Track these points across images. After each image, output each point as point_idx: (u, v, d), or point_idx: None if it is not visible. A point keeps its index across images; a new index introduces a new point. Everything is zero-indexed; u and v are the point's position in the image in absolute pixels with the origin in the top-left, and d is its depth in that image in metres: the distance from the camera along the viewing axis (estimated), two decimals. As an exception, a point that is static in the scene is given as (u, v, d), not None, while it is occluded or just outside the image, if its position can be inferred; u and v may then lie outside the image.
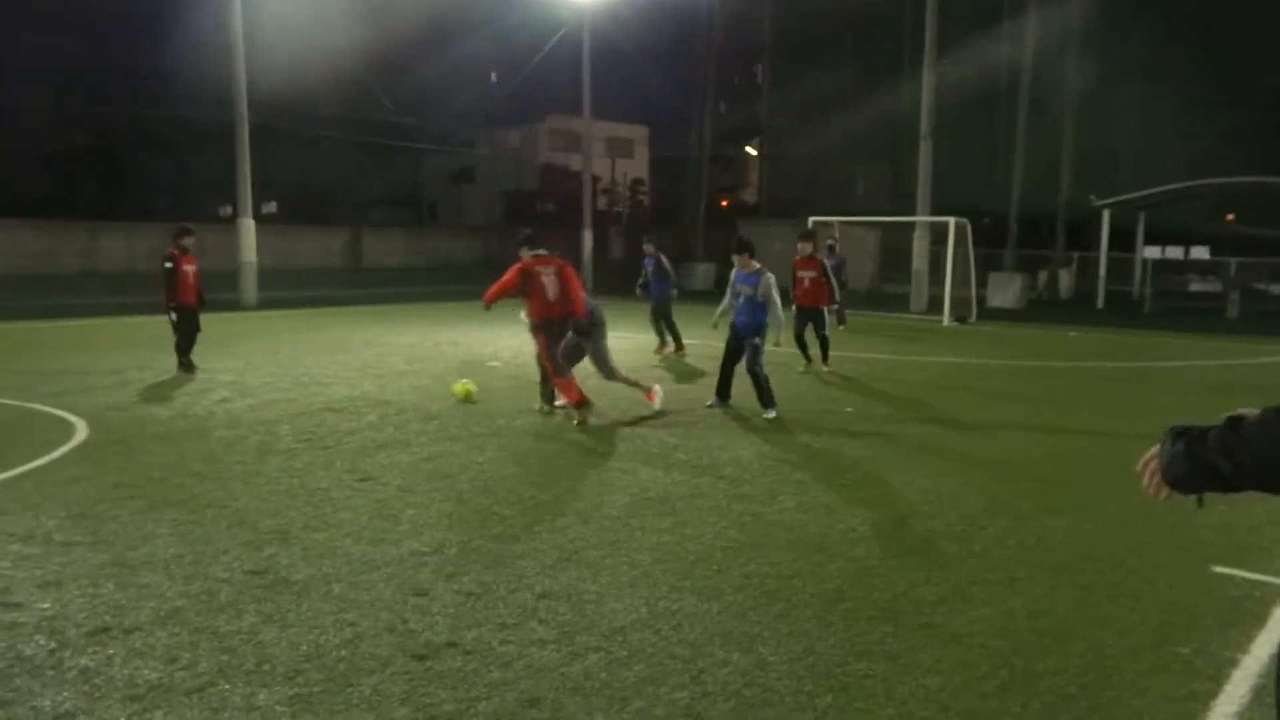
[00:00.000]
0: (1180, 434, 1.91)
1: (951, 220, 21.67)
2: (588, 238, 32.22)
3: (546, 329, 9.17)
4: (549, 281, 9.14)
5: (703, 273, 32.85)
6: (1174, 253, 26.54)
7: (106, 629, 4.24)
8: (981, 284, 24.03)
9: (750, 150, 50.23)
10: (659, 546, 5.49)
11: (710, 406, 9.95)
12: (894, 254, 29.29)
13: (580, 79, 31.98)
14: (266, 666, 3.91)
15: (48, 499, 6.24)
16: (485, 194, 54.20)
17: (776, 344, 9.79)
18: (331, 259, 38.95)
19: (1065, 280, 30.04)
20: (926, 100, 24.80)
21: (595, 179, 40.30)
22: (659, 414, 9.45)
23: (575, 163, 41.29)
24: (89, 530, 5.61)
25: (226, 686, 3.73)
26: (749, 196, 52.27)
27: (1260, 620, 4.54)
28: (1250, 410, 1.86)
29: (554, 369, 9.21)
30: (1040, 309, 25.23)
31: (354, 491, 6.58)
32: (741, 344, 9.66)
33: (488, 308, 9.35)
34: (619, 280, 15.59)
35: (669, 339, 14.35)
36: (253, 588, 4.76)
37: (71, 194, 40.80)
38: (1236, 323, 22.14)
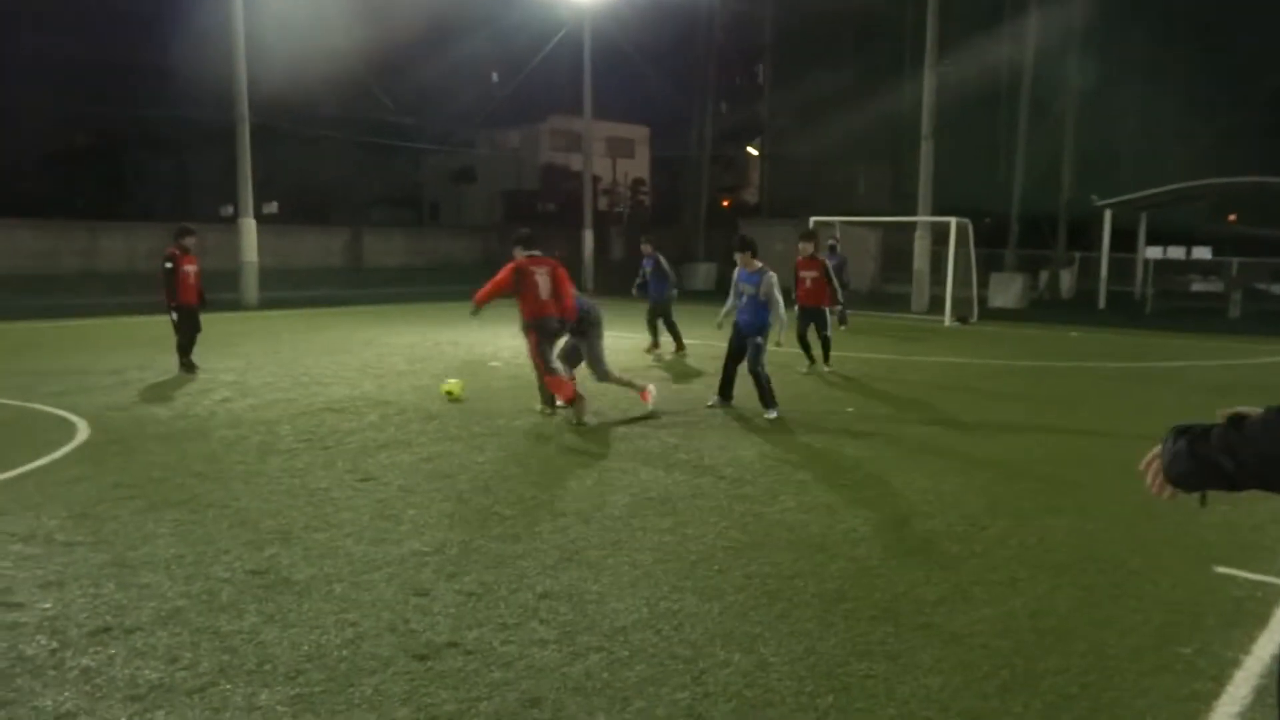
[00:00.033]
0: (1183, 432, 1.91)
1: (953, 220, 21.65)
2: (589, 238, 32.25)
3: (539, 328, 9.16)
4: (542, 280, 9.15)
5: (704, 273, 32.85)
6: (1176, 253, 26.51)
7: (108, 629, 4.24)
8: (983, 284, 24.03)
9: (751, 150, 50.23)
10: (660, 546, 5.49)
11: (712, 406, 9.94)
12: (895, 254, 29.29)
13: (581, 79, 31.98)
14: (268, 666, 3.90)
15: (49, 499, 6.24)
16: (486, 194, 54.21)
17: (778, 344, 9.78)
18: (332, 259, 38.96)
19: (1067, 280, 30.03)
20: (928, 100, 24.80)
21: (596, 179, 40.32)
22: (652, 414, 9.42)
23: (576, 163, 41.30)
24: (90, 530, 5.61)
25: (228, 686, 3.73)
26: (750, 196, 52.27)
27: (1262, 621, 4.53)
28: (1252, 409, 1.85)
29: (544, 367, 9.22)
30: (1042, 309, 25.22)
31: (355, 491, 6.58)
32: (744, 343, 9.64)
33: (476, 311, 9.23)
34: (620, 280, 15.59)
35: (660, 339, 14.37)
36: (254, 588, 4.76)
37: (71, 194, 40.81)
38: (1238, 323, 22.14)
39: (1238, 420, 1.83)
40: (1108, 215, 26.86)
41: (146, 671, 3.84)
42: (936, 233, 24.43)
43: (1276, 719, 1.93)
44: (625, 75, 41.53)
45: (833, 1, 37.27)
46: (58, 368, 12.10)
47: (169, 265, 11.76)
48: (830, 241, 18.38)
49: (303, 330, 17.62)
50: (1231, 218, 32.76)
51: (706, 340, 14.71)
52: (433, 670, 3.89)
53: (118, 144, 42.78)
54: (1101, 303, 26.17)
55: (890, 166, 38.11)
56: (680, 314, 14.61)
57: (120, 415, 9.14)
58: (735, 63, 45.53)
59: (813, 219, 22.10)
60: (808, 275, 12.65)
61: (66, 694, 3.64)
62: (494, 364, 13.17)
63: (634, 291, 15.12)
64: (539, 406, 9.57)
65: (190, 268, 11.90)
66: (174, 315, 11.87)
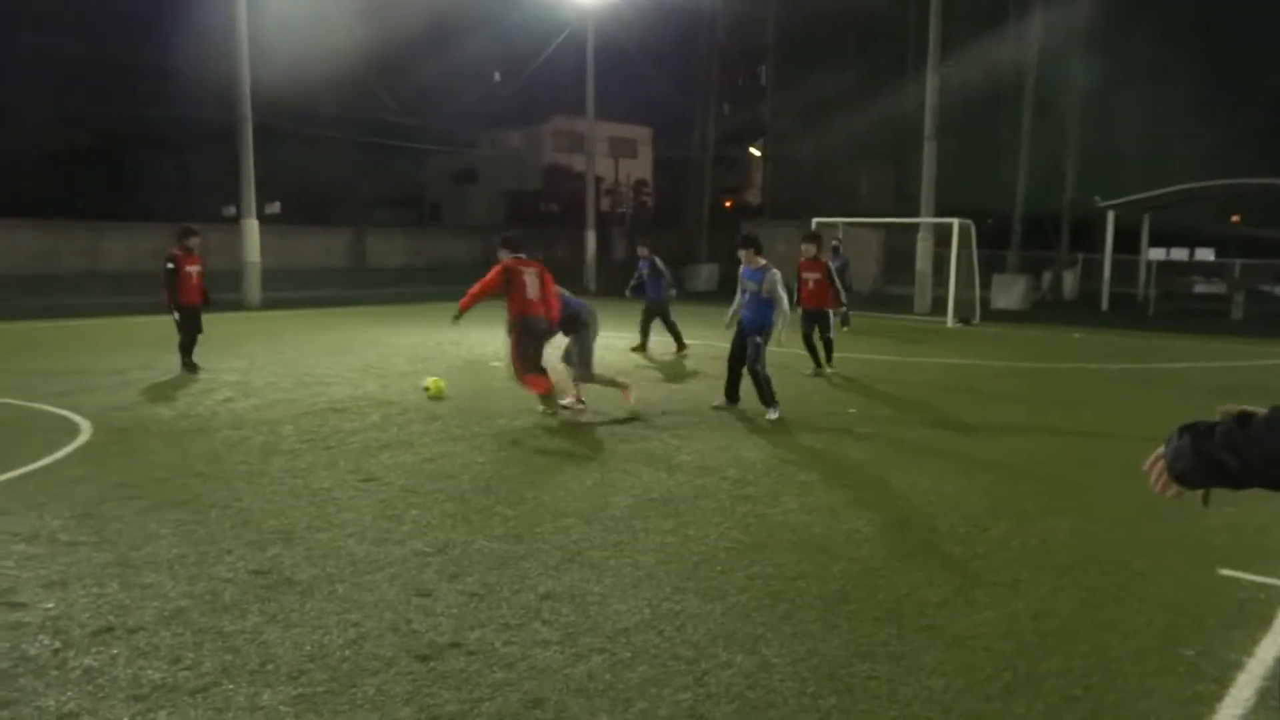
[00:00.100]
0: (1187, 429, 1.90)
1: (955, 221, 21.63)
2: (591, 239, 32.25)
3: (525, 327, 9.19)
4: (530, 281, 9.19)
5: (706, 274, 32.84)
6: (1179, 254, 26.47)
7: (110, 629, 4.24)
8: (985, 285, 24.01)
9: (754, 151, 50.23)
10: (663, 547, 5.49)
11: (717, 408, 9.93)
12: (898, 255, 29.26)
13: (584, 79, 32.00)
14: (270, 666, 3.91)
15: (52, 499, 6.25)
16: (488, 195, 54.24)
17: (779, 343, 9.75)
18: (334, 259, 38.98)
19: (1069, 282, 30.01)
20: (930, 101, 24.79)
21: (598, 180, 40.33)
22: (634, 416, 9.41)
23: (579, 163, 41.32)
24: (93, 530, 5.62)
25: (230, 686, 3.73)
26: (753, 198, 52.29)
27: (1265, 623, 4.53)
28: (1257, 408, 1.85)
29: (521, 369, 9.25)
30: (1044, 310, 25.21)
31: (357, 492, 6.58)
32: (746, 341, 9.64)
33: (459, 316, 9.23)
34: (621, 281, 15.60)
35: (649, 342, 14.41)
36: (256, 588, 4.76)
37: (72, 194, 40.81)
38: (1241, 324, 22.12)
39: (1243, 419, 1.83)
40: (1110, 216, 26.84)
41: (149, 671, 3.84)
42: (939, 234, 24.40)
43: (1280, 722, 1.93)
44: (628, 76, 41.57)
45: (835, 2, 37.27)
46: (60, 367, 12.11)
47: (170, 266, 11.77)
48: (833, 243, 18.37)
49: (305, 330, 17.63)
50: (1235, 219, 32.73)
51: (707, 340, 14.73)
52: (435, 671, 3.89)
53: (118, 144, 42.78)
54: (1104, 304, 26.15)
55: (893, 167, 38.10)
56: (682, 314, 14.62)
57: (123, 415, 9.14)
58: (738, 64, 45.55)
59: (815, 220, 22.08)
60: (810, 277, 12.63)
61: (69, 694, 3.65)
62: (495, 364, 13.16)
63: (627, 293, 15.16)
64: (541, 407, 9.57)
65: (193, 268, 11.91)
66: (176, 315, 11.89)
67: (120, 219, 35.37)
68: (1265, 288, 26.01)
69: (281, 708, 3.58)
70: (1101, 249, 27.56)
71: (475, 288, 9.17)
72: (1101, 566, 5.30)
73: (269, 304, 22.49)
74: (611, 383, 9.85)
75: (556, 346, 9.88)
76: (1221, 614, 4.65)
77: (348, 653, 4.05)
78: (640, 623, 4.41)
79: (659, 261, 14.70)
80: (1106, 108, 32.23)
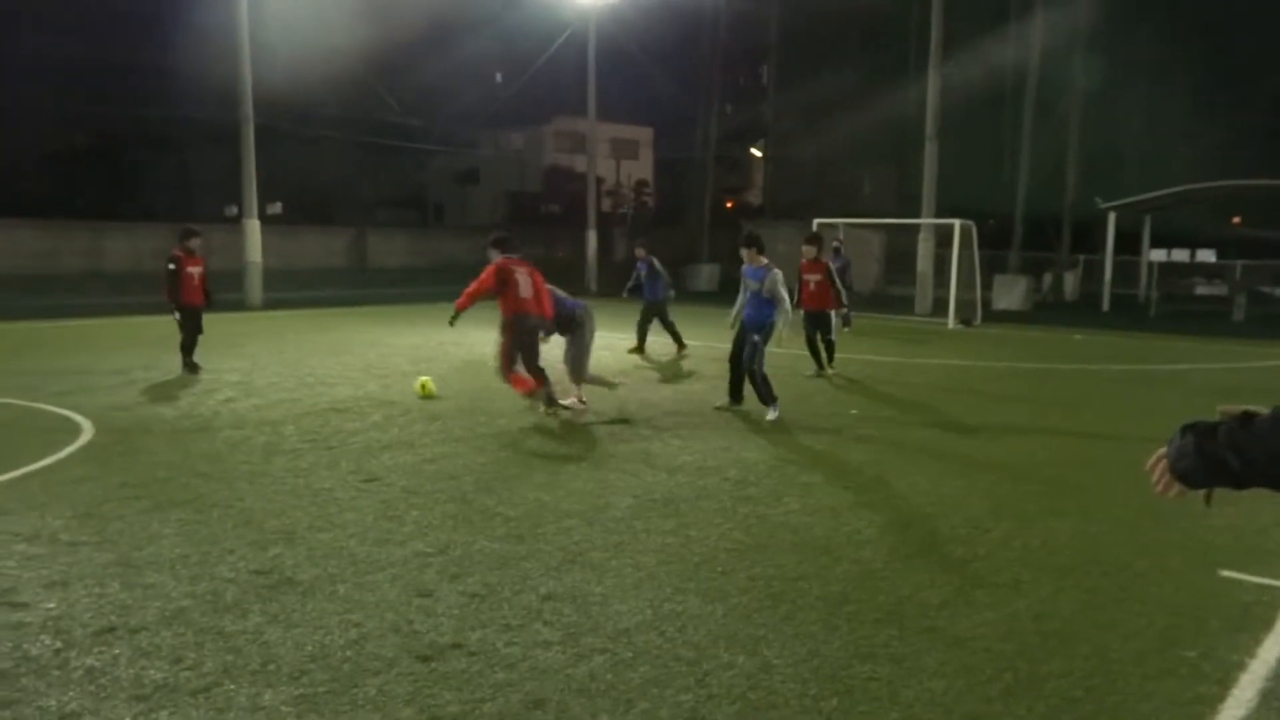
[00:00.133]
0: (1190, 428, 1.91)
1: (957, 222, 21.62)
2: (592, 239, 32.25)
3: (517, 325, 9.25)
4: (523, 280, 9.26)
5: (707, 274, 32.83)
6: (1180, 255, 26.46)
7: (112, 629, 4.24)
8: (986, 286, 23.99)
9: (755, 152, 50.24)
10: (664, 548, 5.49)
11: (720, 408, 9.92)
12: (899, 256, 29.22)
13: (585, 80, 31.99)
14: (272, 667, 3.91)
15: (54, 499, 6.25)
16: (490, 195, 54.29)
17: (779, 344, 9.73)
18: (335, 259, 38.98)
19: (1070, 283, 29.98)
20: (932, 101, 24.77)
21: (600, 180, 40.35)
22: (623, 416, 9.45)
23: (580, 164, 41.33)
24: (95, 530, 5.62)
25: (232, 687, 3.74)
26: (754, 198, 52.30)
27: (1268, 624, 4.53)
28: (1260, 408, 1.86)
29: (507, 368, 9.31)
30: (1045, 311, 25.20)
31: (359, 492, 6.59)
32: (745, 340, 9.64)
33: (455, 318, 9.31)
34: (622, 282, 15.63)
35: (646, 344, 14.44)
36: (258, 588, 4.77)
37: (72, 194, 40.84)
38: (1242, 326, 22.11)
39: (1246, 418, 1.83)
40: (1112, 218, 26.82)
41: (151, 671, 3.84)
42: (940, 234, 24.38)
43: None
44: (629, 76, 41.61)
45: (837, 2, 37.25)
46: (61, 367, 12.12)
47: (171, 267, 11.79)
48: (834, 243, 18.37)
49: (307, 330, 17.64)
50: (1236, 220, 32.71)
51: (707, 341, 14.73)
52: (436, 671, 3.89)
53: (119, 144, 42.82)
54: (1105, 305, 26.14)
55: (894, 168, 38.08)
56: (683, 315, 14.63)
57: (125, 415, 9.15)
58: (740, 64, 45.55)
59: (817, 221, 22.07)
60: (811, 279, 12.61)
61: (71, 694, 3.65)
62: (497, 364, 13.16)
63: (625, 294, 15.19)
64: (542, 407, 9.58)
65: (194, 269, 11.92)
66: (177, 315, 11.90)
67: (121, 219, 35.37)
68: (1266, 289, 25.98)
69: (283, 708, 3.58)
70: (1102, 250, 27.56)
71: (470, 288, 9.23)
72: (1103, 568, 5.30)
73: (270, 304, 22.51)
74: (601, 381, 9.88)
75: (558, 346, 9.90)
76: (1223, 616, 4.65)
77: (349, 653, 4.05)
78: (642, 623, 4.41)
79: (656, 262, 14.75)
80: (1107, 108, 32.22)
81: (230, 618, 4.39)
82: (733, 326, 9.98)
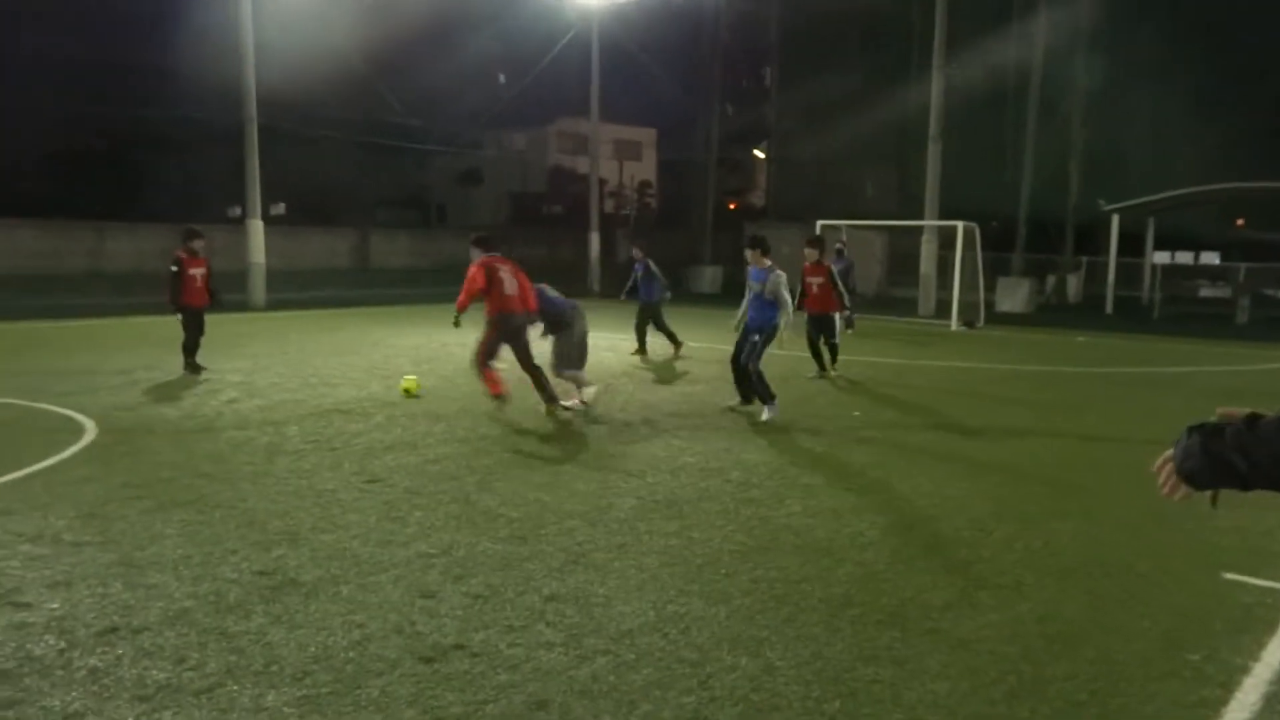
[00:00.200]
0: (1196, 429, 1.90)
1: (959, 224, 21.61)
2: (595, 240, 32.27)
3: (502, 323, 9.32)
4: (508, 278, 9.35)
5: (709, 276, 32.82)
6: (1183, 258, 26.47)
7: (115, 629, 4.25)
8: (989, 288, 23.99)
9: (758, 153, 50.24)
10: (666, 550, 5.49)
11: (730, 408, 9.91)
12: (902, 258, 29.22)
13: (588, 81, 32.01)
14: (275, 667, 3.91)
15: (57, 499, 6.26)
16: (493, 196, 54.35)
17: (780, 346, 9.73)
18: (338, 260, 38.99)
19: (1074, 285, 29.95)
20: (935, 102, 24.76)
21: (602, 181, 40.39)
22: (584, 410, 9.55)
23: (583, 165, 41.39)
24: (98, 530, 5.63)
25: (235, 687, 3.74)
26: (757, 199, 52.31)
27: (1271, 627, 4.52)
28: (1265, 411, 1.85)
29: (482, 361, 9.39)
30: (1048, 314, 25.18)
31: (362, 493, 6.59)
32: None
33: (459, 318, 9.40)
34: (625, 283, 15.65)
35: (647, 345, 14.45)
36: (261, 589, 4.77)
37: (73, 194, 40.84)
38: (1246, 328, 22.08)
39: (1252, 420, 1.83)
40: (1115, 220, 26.80)
41: (154, 672, 3.84)
42: (943, 236, 24.37)
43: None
44: (632, 77, 41.84)
45: (839, 2, 37.25)
46: (64, 368, 12.13)
47: (174, 269, 11.81)
48: (837, 245, 18.35)
49: (310, 331, 17.65)
50: (1239, 222, 32.68)
51: (708, 343, 14.73)
52: (439, 672, 3.89)
53: (120, 144, 42.82)
54: (1109, 307, 26.10)
55: (897, 169, 38.06)
56: (684, 316, 14.63)
57: (128, 415, 9.16)
58: (742, 65, 45.60)
59: (819, 222, 22.05)
60: (814, 281, 12.59)
61: (74, 694, 3.65)
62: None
63: (622, 296, 15.23)
64: (544, 408, 9.58)
65: (197, 270, 11.93)
66: (179, 316, 11.92)
67: (124, 219, 35.40)
68: (1270, 292, 25.94)
69: (286, 709, 3.58)
70: (1106, 252, 27.53)
71: (465, 289, 9.30)
72: (1106, 570, 5.30)
73: (273, 305, 22.53)
74: (576, 381, 9.89)
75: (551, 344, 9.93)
76: (1227, 618, 4.64)
77: (352, 654, 4.05)
78: (644, 625, 4.41)
79: (652, 264, 14.81)
80: (1110, 109, 32.20)
81: (233, 618, 4.39)
82: (737, 329, 9.98)
